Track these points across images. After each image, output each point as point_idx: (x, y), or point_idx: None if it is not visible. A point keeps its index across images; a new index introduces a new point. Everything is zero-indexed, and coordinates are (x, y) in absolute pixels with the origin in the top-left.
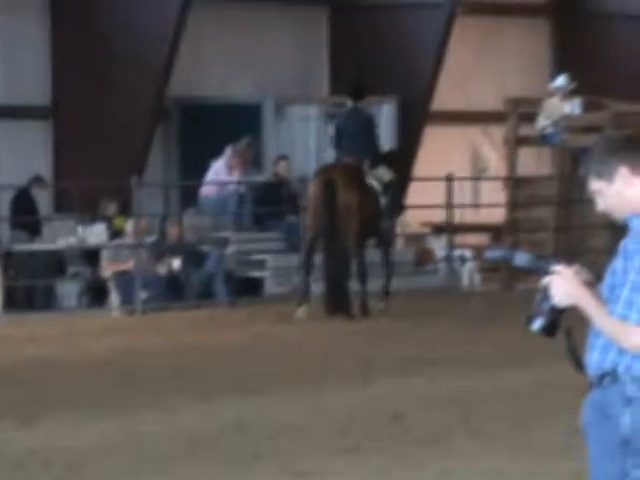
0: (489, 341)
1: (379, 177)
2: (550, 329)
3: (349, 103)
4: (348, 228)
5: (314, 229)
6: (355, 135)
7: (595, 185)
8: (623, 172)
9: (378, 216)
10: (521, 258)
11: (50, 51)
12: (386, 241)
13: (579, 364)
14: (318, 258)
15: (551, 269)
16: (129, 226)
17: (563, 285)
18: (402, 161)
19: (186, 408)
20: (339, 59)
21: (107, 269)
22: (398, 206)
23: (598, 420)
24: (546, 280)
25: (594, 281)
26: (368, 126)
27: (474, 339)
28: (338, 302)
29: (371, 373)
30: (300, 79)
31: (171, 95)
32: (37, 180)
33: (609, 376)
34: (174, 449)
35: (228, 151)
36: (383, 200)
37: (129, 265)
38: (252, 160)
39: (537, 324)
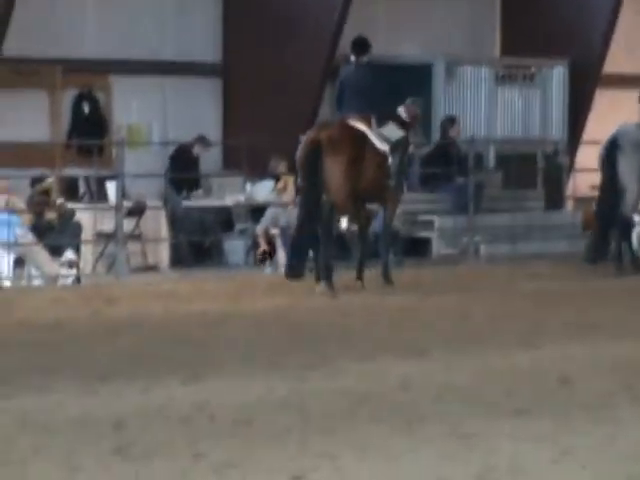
0: None
1: (386, 136)
2: None
3: (352, 58)
4: (335, 190)
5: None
6: (359, 92)
7: None
8: None
9: (381, 178)
10: None
11: (222, 8)
12: (386, 204)
13: None
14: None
15: None
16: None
17: None
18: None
19: (351, 367)
20: (510, 20)
21: (272, 228)
22: (407, 167)
23: None
24: None
25: None
26: (374, 81)
27: (635, 304)
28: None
29: (537, 337)
30: (471, 40)
31: (341, 54)
32: (200, 139)
33: None
34: (338, 408)
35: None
36: (390, 160)
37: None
38: (419, 120)
39: None
